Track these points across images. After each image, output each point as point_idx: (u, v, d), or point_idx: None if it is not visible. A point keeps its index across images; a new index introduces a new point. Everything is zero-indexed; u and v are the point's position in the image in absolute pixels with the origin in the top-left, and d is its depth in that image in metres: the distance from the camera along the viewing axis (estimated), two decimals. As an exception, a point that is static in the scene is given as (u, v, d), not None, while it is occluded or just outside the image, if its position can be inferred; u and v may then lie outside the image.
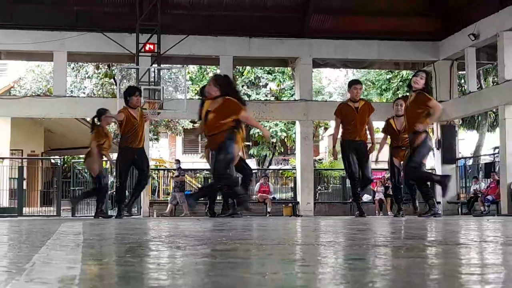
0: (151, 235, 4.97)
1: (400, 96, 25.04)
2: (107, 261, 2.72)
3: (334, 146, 11.49)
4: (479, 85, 21.77)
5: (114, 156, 12.57)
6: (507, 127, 17.04)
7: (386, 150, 11.64)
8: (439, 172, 20.54)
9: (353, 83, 11.16)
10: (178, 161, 21.42)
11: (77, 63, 26.28)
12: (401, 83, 27.41)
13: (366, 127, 10.76)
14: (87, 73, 27.98)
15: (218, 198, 11.28)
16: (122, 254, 3.10)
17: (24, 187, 19.44)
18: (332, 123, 36.56)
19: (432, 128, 22.47)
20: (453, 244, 3.79)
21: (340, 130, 10.75)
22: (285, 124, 29.98)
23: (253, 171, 16.52)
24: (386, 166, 13.13)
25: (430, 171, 11.15)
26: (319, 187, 22.00)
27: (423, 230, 5.64)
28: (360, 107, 10.61)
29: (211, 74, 31.72)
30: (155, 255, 3.05)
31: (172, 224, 7.17)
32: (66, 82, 20.32)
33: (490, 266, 2.65)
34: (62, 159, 21.63)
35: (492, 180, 18.28)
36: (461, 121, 22.05)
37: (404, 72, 26.57)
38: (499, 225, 6.61)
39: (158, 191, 24.34)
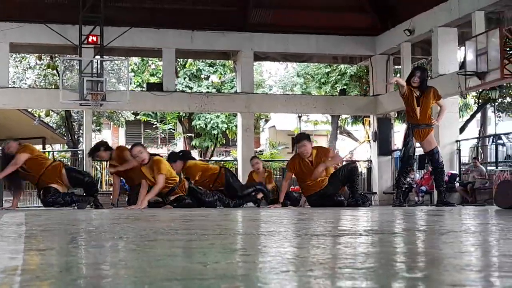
0: (94, 225, 4.96)
1: (339, 89, 25.43)
2: (49, 252, 2.72)
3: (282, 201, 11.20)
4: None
5: None
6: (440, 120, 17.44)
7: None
8: (375, 163, 20.98)
9: (297, 142, 10.81)
10: None
11: (19, 54, 25.69)
12: (339, 76, 27.77)
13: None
14: (29, 64, 27.38)
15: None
16: (64, 244, 3.10)
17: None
18: (273, 116, 36.92)
19: (369, 121, 22.91)
20: (388, 233, 3.92)
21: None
22: (226, 116, 30.02)
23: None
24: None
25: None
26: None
27: (361, 220, 5.78)
28: (313, 160, 10.43)
29: (153, 66, 31.54)
30: (98, 245, 3.06)
31: (115, 215, 7.13)
32: (9, 73, 19.91)
33: (423, 254, 2.76)
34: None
35: (426, 171, 18.72)
36: (396, 114, 22.51)
37: (342, 66, 26.94)
38: (432, 215, 6.81)
39: (101, 182, 24.03)
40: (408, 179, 12.83)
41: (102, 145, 12.26)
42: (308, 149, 10.32)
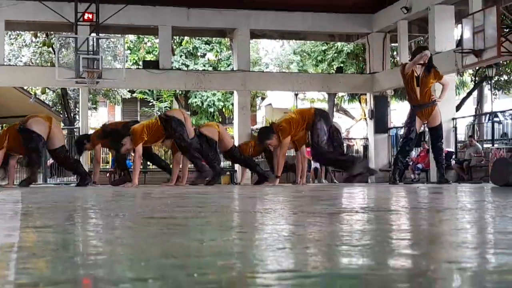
0: (90, 203, 4.96)
1: (335, 67, 25.36)
2: (46, 229, 2.72)
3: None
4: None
5: None
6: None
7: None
8: (371, 140, 21.00)
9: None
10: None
11: (14, 31, 25.54)
12: (336, 54, 27.68)
13: None
14: (24, 42, 27.22)
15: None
16: (61, 222, 3.10)
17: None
18: (269, 93, 36.88)
19: (366, 99, 22.90)
20: (384, 211, 3.93)
21: None
22: (223, 94, 29.97)
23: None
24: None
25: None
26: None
27: (357, 198, 5.80)
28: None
29: (149, 44, 31.38)
30: (94, 223, 3.06)
31: (111, 193, 7.15)
32: (4, 51, 19.81)
33: (419, 231, 2.77)
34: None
35: (422, 149, 18.75)
36: (393, 92, 22.49)
37: (339, 44, 26.84)
38: (428, 193, 6.83)
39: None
40: (407, 159, 12.83)
41: (85, 138, 12.98)
42: (274, 143, 11.03)
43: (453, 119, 17.88)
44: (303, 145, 11.58)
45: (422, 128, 11.28)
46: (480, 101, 28.98)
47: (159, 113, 13.62)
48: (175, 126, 11.03)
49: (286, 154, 11.87)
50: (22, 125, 11.33)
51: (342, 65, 25.71)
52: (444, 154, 11.64)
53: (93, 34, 17.65)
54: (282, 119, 11.58)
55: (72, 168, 13.13)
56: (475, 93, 29.03)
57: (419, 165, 18.64)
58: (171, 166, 12.48)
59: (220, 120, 33.01)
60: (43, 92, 27.75)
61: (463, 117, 21.90)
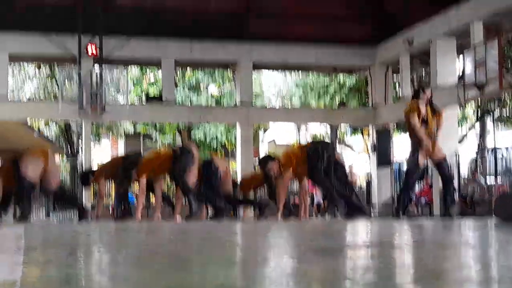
0: (93, 238, 4.95)
1: (338, 100, 25.46)
2: (49, 265, 2.71)
3: None
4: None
5: None
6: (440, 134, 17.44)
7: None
8: (374, 174, 20.96)
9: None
10: None
11: (17, 63, 25.70)
12: (338, 88, 27.76)
13: None
14: (28, 74, 27.39)
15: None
16: (64, 257, 3.09)
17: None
18: (272, 128, 36.96)
19: (368, 132, 22.92)
20: (388, 246, 3.91)
21: None
22: (225, 127, 30.03)
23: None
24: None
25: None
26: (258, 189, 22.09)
27: (360, 233, 5.77)
28: None
29: (152, 77, 31.53)
30: (98, 258, 3.05)
31: (114, 228, 7.13)
32: (8, 83, 19.92)
33: (422, 267, 2.75)
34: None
35: (425, 183, 18.72)
36: (395, 125, 22.51)
37: (341, 77, 26.95)
38: (432, 227, 6.80)
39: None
40: (411, 193, 12.72)
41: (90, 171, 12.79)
42: (275, 167, 10.78)
43: (455, 153, 17.85)
44: (304, 179, 11.53)
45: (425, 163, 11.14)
46: (482, 135, 28.97)
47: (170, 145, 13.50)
48: (186, 160, 10.76)
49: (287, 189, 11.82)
50: (17, 161, 10.97)
51: (344, 98, 25.78)
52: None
53: (97, 67, 17.76)
54: (282, 153, 11.56)
55: (71, 204, 13.10)
56: (477, 126, 29.04)
57: (423, 199, 18.59)
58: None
59: (223, 153, 33.04)
60: (46, 124, 27.82)
61: (466, 151, 21.89)
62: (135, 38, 18.69)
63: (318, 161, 10.40)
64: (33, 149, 11.56)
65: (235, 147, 24.40)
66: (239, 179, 18.34)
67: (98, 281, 2.18)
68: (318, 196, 20.40)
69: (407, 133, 10.76)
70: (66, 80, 20.07)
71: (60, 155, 29.96)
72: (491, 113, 25.59)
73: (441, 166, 10.66)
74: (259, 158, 13.41)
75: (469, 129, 28.00)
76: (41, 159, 10.91)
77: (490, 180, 18.40)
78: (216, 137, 30.30)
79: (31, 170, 10.77)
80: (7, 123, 19.77)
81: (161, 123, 31.36)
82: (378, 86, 20.79)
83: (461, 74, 18.41)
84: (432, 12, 17.54)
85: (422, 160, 10.46)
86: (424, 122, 10.20)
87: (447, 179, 10.81)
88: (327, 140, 28.50)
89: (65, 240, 4.57)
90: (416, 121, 10.09)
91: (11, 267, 2.55)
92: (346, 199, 10.68)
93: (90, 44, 17.71)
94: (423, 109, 10.25)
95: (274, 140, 40.58)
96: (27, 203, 11.02)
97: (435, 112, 10.51)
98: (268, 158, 11.39)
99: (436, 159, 10.64)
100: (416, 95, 10.35)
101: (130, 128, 32.26)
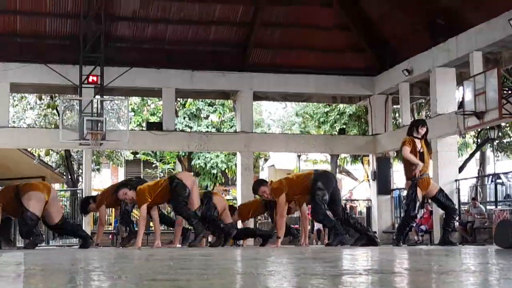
0: (93, 264, 4.94)
1: (338, 128, 25.52)
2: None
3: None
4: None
5: None
6: (440, 160, 17.50)
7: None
8: (374, 202, 20.96)
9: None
10: None
11: (18, 94, 25.84)
12: (338, 116, 27.87)
13: None
14: (29, 104, 27.51)
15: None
16: (64, 284, 3.09)
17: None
18: (272, 155, 37.01)
19: (368, 160, 22.96)
20: (388, 273, 3.91)
21: None
22: (226, 155, 30.08)
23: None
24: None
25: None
26: (259, 217, 22.08)
27: (360, 259, 5.77)
28: None
29: (153, 106, 31.68)
30: (97, 285, 3.06)
31: (114, 254, 7.12)
32: (9, 113, 20.01)
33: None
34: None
35: (425, 210, 18.69)
36: (395, 154, 22.55)
37: (341, 105, 27.07)
38: (432, 255, 6.79)
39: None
40: (411, 225, 12.65)
41: (90, 198, 12.82)
42: (267, 191, 10.77)
43: (456, 180, 17.87)
44: (303, 205, 11.50)
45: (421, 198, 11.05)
46: (482, 163, 29.00)
47: (170, 173, 13.55)
48: (179, 191, 10.80)
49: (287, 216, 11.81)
50: (19, 193, 10.86)
51: (344, 126, 25.87)
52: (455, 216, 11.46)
53: (97, 97, 17.88)
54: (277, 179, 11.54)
55: (73, 234, 13.13)
56: (477, 154, 29.08)
57: (423, 227, 18.56)
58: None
59: (223, 181, 33.05)
60: (47, 154, 27.87)
61: (466, 178, 21.89)
62: (136, 68, 18.83)
63: (321, 190, 10.36)
64: (35, 183, 11.45)
65: (236, 174, 24.44)
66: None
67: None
68: (318, 224, 20.32)
69: (403, 166, 10.74)
70: (67, 109, 20.19)
71: (61, 184, 30.01)
72: (491, 142, 25.65)
73: (437, 199, 10.66)
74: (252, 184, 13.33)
75: (469, 157, 28.01)
76: (43, 194, 10.79)
77: (491, 207, 18.38)
78: (217, 165, 30.33)
79: (33, 206, 10.67)
80: (7, 151, 19.82)
81: (162, 151, 31.46)
82: (378, 115, 20.90)
83: (459, 103, 18.50)
84: (431, 43, 17.68)
85: (420, 195, 10.44)
86: (420, 157, 10.17)
87: (449, 209, 10.77)
88: (328, 168, 28.55)
89: (65, 267, 4.57)
90: (407, 150, 10.10)
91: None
92: (356, 229, 10.65)
93: (91, 75, 17.83)
94: (418, 144, 10.24)
95: (273, 165, 40.59)
96: (33, 234, 10.99)
97: (429, 149, 10.51)
98: (261, 182, 11.35)
99: (431, 195, 10.65)
100: (409, 132, 10.30)
101: (130, 156, 32.34)
